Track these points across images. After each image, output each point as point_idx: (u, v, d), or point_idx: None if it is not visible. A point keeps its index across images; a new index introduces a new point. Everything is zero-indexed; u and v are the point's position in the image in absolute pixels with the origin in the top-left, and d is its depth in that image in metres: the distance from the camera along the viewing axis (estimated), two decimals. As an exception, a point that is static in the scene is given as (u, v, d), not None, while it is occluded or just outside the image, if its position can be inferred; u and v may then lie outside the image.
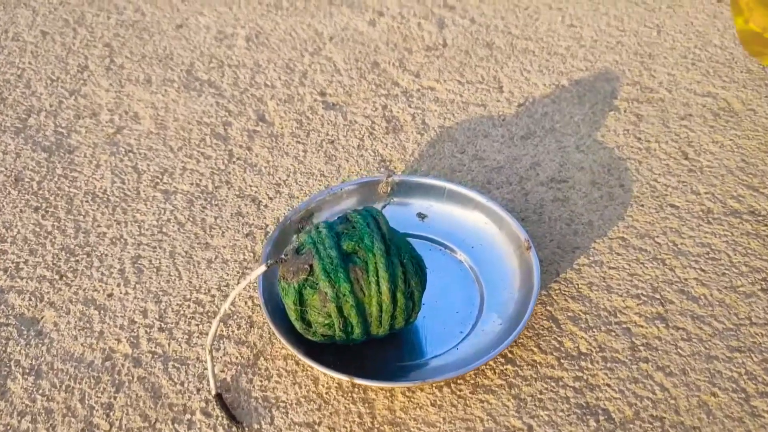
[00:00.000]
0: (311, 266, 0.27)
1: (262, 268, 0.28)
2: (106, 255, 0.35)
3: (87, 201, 0.39)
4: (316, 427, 0.28)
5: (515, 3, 0.56)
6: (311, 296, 0.27)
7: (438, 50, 0.51)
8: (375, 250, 0.27)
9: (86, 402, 0.29)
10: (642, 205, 0.37)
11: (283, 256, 0.28)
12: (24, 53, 0.51)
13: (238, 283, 0.33)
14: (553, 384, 0.29)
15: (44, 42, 0.53)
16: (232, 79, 0.48)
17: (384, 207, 0.35)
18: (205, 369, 0.30)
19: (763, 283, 0.33)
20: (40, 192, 0.39)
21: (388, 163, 0.41)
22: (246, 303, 0.33)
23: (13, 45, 0.52)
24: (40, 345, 0.31)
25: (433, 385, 0.29)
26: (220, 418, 0.28)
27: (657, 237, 0.36)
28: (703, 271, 0.34)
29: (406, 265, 0.28)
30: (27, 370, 0.30)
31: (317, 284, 0.27)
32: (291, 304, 0.28)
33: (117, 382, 0.30)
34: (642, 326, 0.31)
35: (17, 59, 0.51)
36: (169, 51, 0.51)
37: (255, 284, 0.32)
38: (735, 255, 0.35)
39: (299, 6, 0.56)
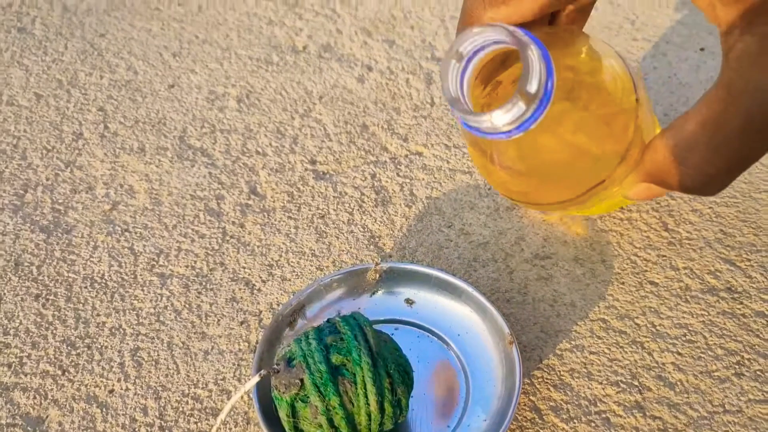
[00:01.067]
0: (302, 381, 0.29)
1: (256, 378, 0.30)
2: (106, 347, 0.37)
3: (86, 287, 0.40)
4: None
5: (502, 54, 0.57)
6: (303, 409, 0.29)
7: (425, 110, 0.52)
8: (362, 364, 0.29)
9: (92, 508, 0.30)
10: (623, 283, 0.39)
11: (275, 366, 0.30)
12: (19, 119, 0.52)
13: (238, 380, 0.35)
14: (535, 479, 0.31)
15: (38, 106, 0.54)
16: (224, 147, 0.49)
17: (373, 294, 0.37)
18: (205, 471, 0.31)
19: (737, 366, 0.35)
20: (40, 278, 0.41)
21: (377, 240, 0.42)
22: (242, 398, 0.34)
23: (8, 110, 0.53)
24: (46, 447, 0.33)
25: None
26: None
27: (636, 318, 0.37)
28: (680, 354, 0.35)
29: (393, 375, 0.29)
30: (35, 475, 0.32)
31: (308, 398, 0.29)
32: (284, 416, 0.29)
33: (121, 486, 0.31)
34: (621, 416, 0.33)
35: (12, 126, 0.52)
36: (162, 115, 0.52)
37: (248, 391, 0.34)
38: (711, 336, 0.36)
39: (289, 61, 0.57)
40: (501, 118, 0.23)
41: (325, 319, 0.32)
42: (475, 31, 0.23)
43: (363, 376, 0.29)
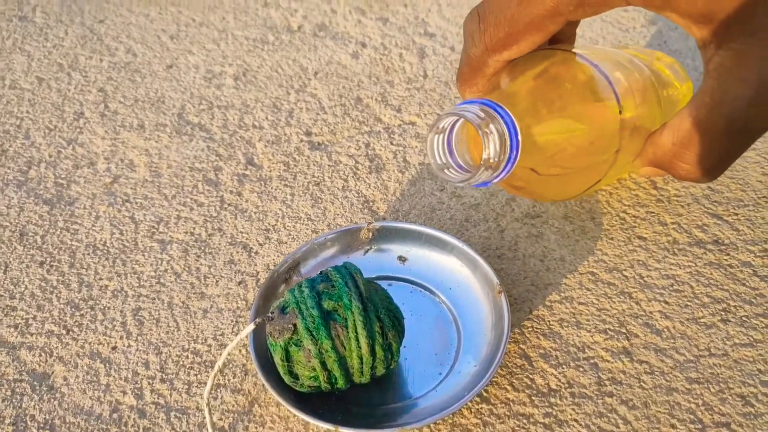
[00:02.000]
0: (295, 325, 0.30)
1: (251, 326, 0.31)
2: (109, 308, 0.38)
3: (88, 254, 0.41)
4: (306, 471, 0.30)
5: (493, 28, 0.58)
6: (296, 353, 0.30)
7: (419, 82, 0.53)
8: (353, 308, 0.30)
9: (97, 454, 0.31)
10: (611, 238, 0.39)
11: (269, 314, 0.31)
12: (22, 102, 0.54)
13: (236, 334, 0.36)
14: (524, 421, 0.32)
15: (40, 89, 0.55)
16: (221, 122, 0.50)
17: (366, 252, 0.38)
18: (205, 418, 0.32)
19: (722, 313, 0.35)
20: (44, 246, 0.42)
21: (371, 204, 0.43)
22: (240, 351, 0.35)
23: (11, 93, 0.55)
24: (52, 400, 0.34)
25: (415, 428, 0.31)
26: (219, 466, 0.31)
27: (624, 270, 0.38)
28: (667, 303, 0.36)
29: (383, 320, 0.30)
30: (41, 425, 0.33)
31: (301, 342, 0.30)
32: (279, 360, 0.30)
33: (124, 434, 0.32)
34: (608, 361, 0.34)
35: (16, 108, 0.53)
36: (161, 93, 0.53)
37: (244, 339, 0.35)
38: (698, 286, 0.37)
39: (285, 40, 0.58)
40: (479, 177, 0.27)
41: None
42: (448, 112, 0.27)
43: (354, 320, 0.29)
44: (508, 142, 0.26)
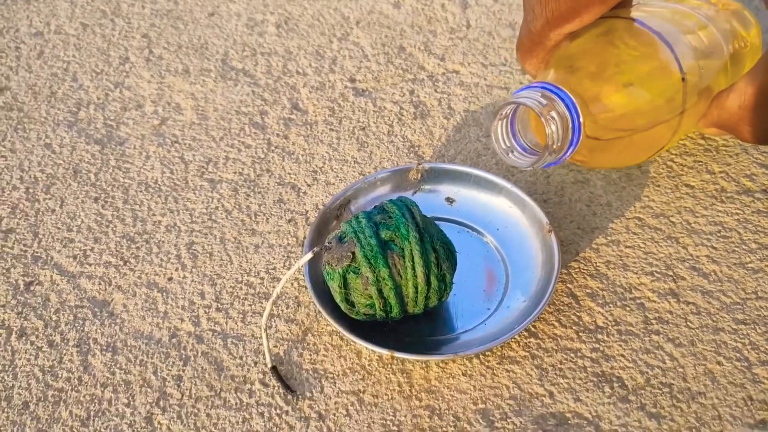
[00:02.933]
0: (354, 254, 0.30)
1: (309, 255, 0.32)
2: (163, 242, 0.39)
3: (141, 191, 0.42)
4: (361, 395, 0.32)
5: (537, -20, 0.57)
6: (354, 280, 0.31)
7: (462, 32, 0.52)
8: (410, 238, 0.30)
9: (159, 374, 0.33)
10: (658, 185, 0.40)
11: (327, 244, 0.32)
12: (68, 46, 0.54)
13: (288, 268, 0.37)
14: (572, 355, 0.32)
15: (85, 34, 0.56)
16: (265, 68, 0.51)
17: (415, 193, 0.38)
18: (260, 345, 0.34)
19: (771, 259, 0.35)
20: (98, 183, 0.43)
21: (416, 149, 0.43)
22: (292, 284, 0.36)
23: (56, 38, 0.55)
24: (113, 324, 0.35)
25: (464, 357, 0.32)
26: (276, 388, 0.32)
27: (671, 216, 0.38)
28: (714, 248, 0.36)
29: (438, 251, 0.31)
30: (104, 347, 0.34)
31: (359, 270, 0.30)
32: (336, 287, 0.31)
33: (184, 356, 0.33)
34: (655, 301, 0.34)
35: (62, 52, 0.54)
36: (204, 40, 0.54)
37: (301, 268, 0.36)
38: (745, 233, 0.37)
39: (325, -11, 0.58)
40: (544, 160, 0.28)
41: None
42: (510, 100, 0.28)
43: (411, 250, 0.30)
44: (570, 126, 0.26)
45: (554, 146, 0.27)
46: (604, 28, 0.28)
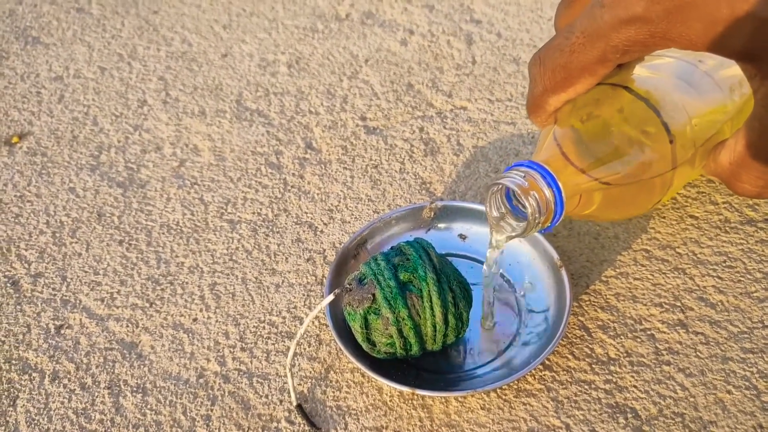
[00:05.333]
0: (374, 295, 0.32)
1: (331, 297, 0.33)
2: (187, 283, 0.41)
3: (163, 233, 0.44)
4: (384, 430, 0.33)
5: (539, 14, 0.59)
6: (375, 321, 0.32)
7: (467, 68, 0.54)
8: (428, 279, 0.32)
9: (188, 414, 0.34)
10: (664, 217, 0.41)
11: (347, 285, 0.33)
12: (87, 90, 0.56)
13: (309, 307, 0.38)
14: (586, 387, 0.34)
15: (103, 78, 0.58)
16: (278, 108, 0.52)
17: (428, 231, 0.40)
18: (285, 383, 0.35)
19: (775, 288, 0.37)
20: (122, 226, 0.44)
21: (428, 186, 0.45)
22: (313, 323, 0.37)
23: (76, 83, 0.57)
24: (142, 366, 0.36)
25: (482, 392, 0.33)
26: (302, 425, 0.33)
27: (678, 248, 0.39)
28: (720, 278, 0.37)
29: (455, 291, 0.32)
30: (134, 389, 0.35)
31: (380, 311, 0.32)
32: (358, 327, 0.32)
33: (211, 396, 0.35)
34: (664, 332, 0.35)
35: (82, 96, 0.56)
36: (218, 81, 0.56)
37: (323, 309, 0.37)
38: (750, 262, 0.38)
39: (333, 28, 0.60)
40: (533, 230, 0.30)
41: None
42: (494, 180, 0.30)
43: (429, 290, 0.32)
44: (550, 200, 0.28)
45: (537, 220, 0.29)
46: (598, 95, 0.30)
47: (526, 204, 0.28)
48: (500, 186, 0.30)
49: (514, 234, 0.31)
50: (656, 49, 0.26)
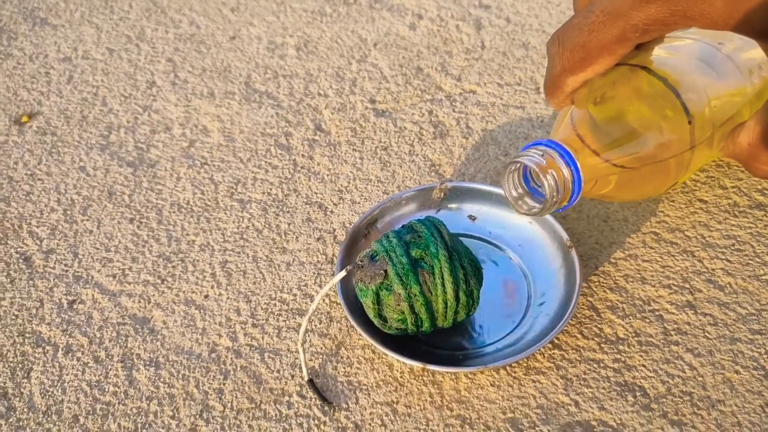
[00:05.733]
0: (386, 272, 0.32)
1: (342, 273, 0.33)
2: (198, 261, 0.41)
3: (174, 211, 0.44)
4: (394, 405, 0.33)
5: (548, 0, 0.59)
6: (387, 297, 0.32)
7: (477, 52, 0.54)
8: (440, 256, 0.32)
9: (201, 388, 0.34)
10: (673, 201, 0.41)
11: (359, 262, 0.33)
12: (96, 71, 0.56)
13: (320, 285, 0.39)
14: (595, 365, 0.34)
15: (112, 59, 0.58)
16: (287, 90, 0.53)
17: (438, 211, 0.40)
18: (296, 359, 0.35)
19: (783, 270, 0.37)
20: (132, 204, 0.45)
21: (437, 168, 0.45)
22: (324, 300, 0.38)
23: (84, 63, 0.57)
24: (154, 341, 0.37)
25: (492, 368, 0.34)
26: (313, 400, 0.33)
27: (686, 231, 0.39)
28: (729, 261, 0.38)
29: (466, 268, 0.33)
30: (147, 363, 0.36)
31: (392, 287, 0.32)
32: (369, 303, 0.33)
33: (224, 370, 0.35)
34: (673, 313, 0.36)
35: (90, 77, 0.56)
36: (227, 64, 0.56)
37: (334, 286, 0.37)
38: (758, 246, 0.38)
39: (342, 12, 0.60)
40: (548, 209, 0.30)
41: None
42: (513, 159, 0.30)
43: (440, 267, 0.32)
44: (567, 179, 0.28)
45: (554, 198, 0.29)
46: (615, 77, 0.30)
47: (544, 182, 0.28)
48: (518, 165, 0.30)
49: (531, 212, 0.31)
50: (677, 28, 0.26)
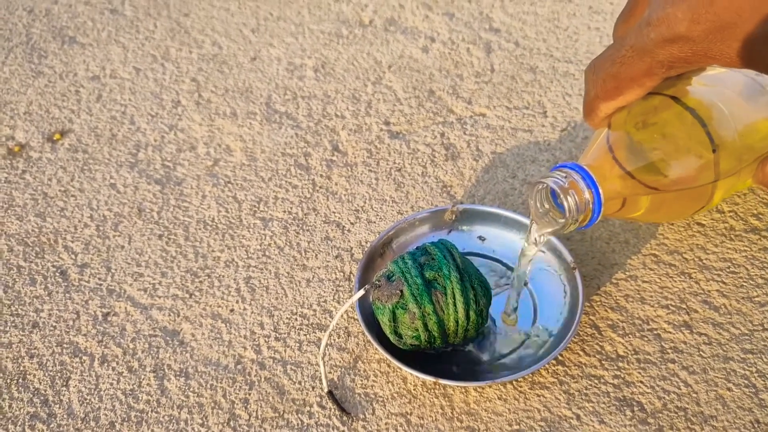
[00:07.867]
0: (402, 291, 0.35)
1: (361, 292, 0.36)
2: (223, 276, 0.43)
3: (200, 228, 0.47)
4: (408, 416, 0.36)
5: (556, 24, 0.61)
6: (402, 315, 0.35)
7: (486, 76, 0.57)
8: (452, 278, 0.34)
9: (228, 397, 0.37)
10: (672, 225, 0.43)
11: (376, 282, 0.36)
12: (123, 90, 0.59)
13: (338, 301, 0.41)
14: (596, 381, 0.36)
15: (138, 78, 0.60)
16: (306, 111, 0.55)
17: (450, 232, 0.43)
18: (316, 371, 0.38)
19: (775, 293, 0.39)
20: (161, 221, 0.47)
21: (449, 189, 0.47)
22: (343, 317, 0.40)
23: (112, 82, 0.60)
24: (184, 352, 0.39)
25: (499, 383, 0.36)
26: (332, 410, 0.36)
27: (685, 253, 0.42)
28: (724, 283, 0.40)
29: (476, 289, 0.35)
30: (177, 373, 0.38)
31: (407, 305, 0.34)
32: (386, 321, 0.35)
33: (249, 381, 0.38)
34: (670, 332, 0.38)
35: (118, 96, 0.59)
36: (248, 84, 0.59)
37: (353, 303, 0.40)
38: (753, 268, 0.41)
39: (357, 34, 0.63)
40: (570, 227, 0.32)
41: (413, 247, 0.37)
42: (544, 175, 0.32)
43: (452, 288, 0.34)
44: (588, 200, 0.31)
45: (575, 217, 0.31)
46: (650, 105, 0.32)
47: (564, 204, 0.31)
48: (545, 185, 0.32)
49: (554, 228, 0.33)
50: (699, 65, 0.28)
